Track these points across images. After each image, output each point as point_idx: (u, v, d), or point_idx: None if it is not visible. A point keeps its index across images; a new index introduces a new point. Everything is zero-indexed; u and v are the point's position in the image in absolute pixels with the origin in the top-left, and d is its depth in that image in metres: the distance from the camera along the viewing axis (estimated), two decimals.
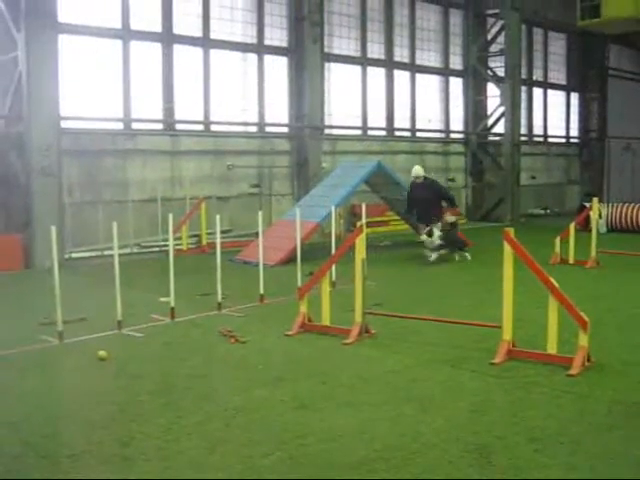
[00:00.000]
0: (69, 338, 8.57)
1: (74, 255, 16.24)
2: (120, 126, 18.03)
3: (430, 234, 14.99)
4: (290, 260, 13.37)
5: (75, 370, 7.49)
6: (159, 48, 18.53)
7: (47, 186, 15.36)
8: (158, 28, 18.47)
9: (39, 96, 15.40)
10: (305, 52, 20.60)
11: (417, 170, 16.15)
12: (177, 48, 18.81)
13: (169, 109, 18.64)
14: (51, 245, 8.65)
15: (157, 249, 17.36)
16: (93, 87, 17.42)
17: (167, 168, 18.56)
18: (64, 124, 16.31)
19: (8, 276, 13.34)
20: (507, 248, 7.42)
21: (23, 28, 15.26)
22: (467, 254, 15.57)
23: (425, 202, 15.68)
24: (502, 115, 25.95)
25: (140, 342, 8.61)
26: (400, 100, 24.61)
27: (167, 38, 18.59)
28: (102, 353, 7.76)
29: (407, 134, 25.17)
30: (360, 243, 8.49)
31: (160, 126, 18.77)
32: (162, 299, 10.48)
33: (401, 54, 24.60)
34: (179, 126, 19.05)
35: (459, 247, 15.68)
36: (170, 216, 9.88)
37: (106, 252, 15.92)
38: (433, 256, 15.05)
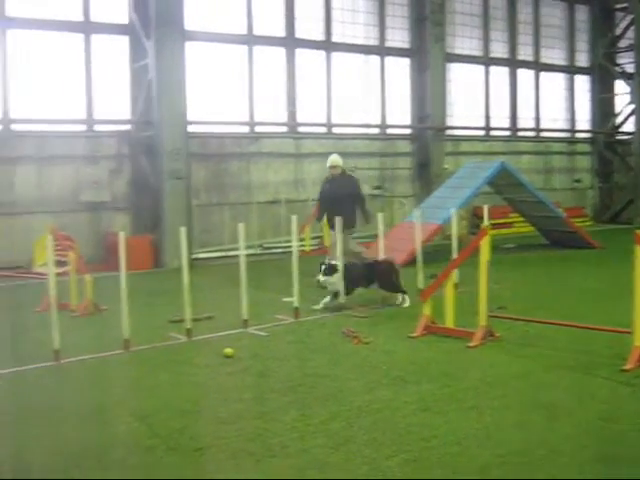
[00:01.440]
0: (197, 335, 8.84)
1: (201, 255, 16.72)
2: (245, 129, 18.44)
3: (329, 270, 10.52)
4: (411, 262, 13.29)
5: (202, 367, 7.69)
6: (282, 52, 18.84)
7: (176, 188, 15.89)
8: (281, 33, 18.79)
9: (168, 102, 15.96)
10: (427, 53, 20.51)
11: (333, 159, 13.01)
12: (299, 52, 19.07)
13: (292, 112, 18.91)
14: (180, 246, 8.94)
15: (280, 250, 17.62)
16: (219, 92, 17.91)
17: (290, 170, 18.86)
18: (191, 128, 16.82)
19: (139, 275, 13.82)
20: (638, 251, 7.13)
21: (153, 37, 15.87)
22: (403, 298, 10.84)
23: (339, 203, 12.37)
24: (632, 113, 24.95)
25: (265, 341, 8.77)
26: (524, 99, 24.09)
27: (290, 42, 18.89)
28: (228, 350, 7.94)
29: (531, 134, 24.60)
30: (484, 245, 8.35)
31: (284, 129, 19.08)
32: (285, 299, 10.63)
33: (525, 52, 24.08)
34: (302, 129, 19.30)
35: (393, 289, 10.93)
36: (293, 218, 10.03)
37: (231, 253, 16.30)
38: (326, 300, 10.66)
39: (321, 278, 10.52)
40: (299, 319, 9.78)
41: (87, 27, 16.45)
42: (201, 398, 6.59)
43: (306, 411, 6.11)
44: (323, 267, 10.56)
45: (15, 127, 15.90)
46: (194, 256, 16.07)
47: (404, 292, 10.82)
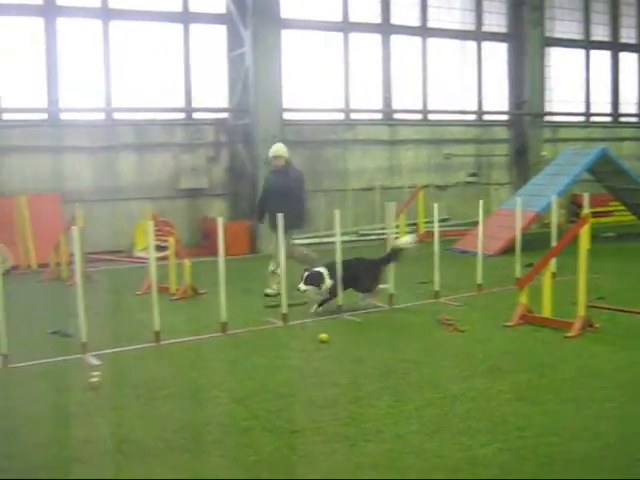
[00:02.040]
0: (292, 321, 8.95)
1: (296, 241, 16.84)
2: (340, 117, 18.49)
3: (313, 279, 9.41)
4: (508, 250, 13.09)
5: (298, 351, 7.79)
6: (378, 39, 18.77)
7: None
8: (377, 19, 18.72)
9: (264, 89, 16.16)
10: (525, 37, 20.07)
11: (277, 148, 11.30)
12: (395, 38, 18.96)
13: (387, 99, 18.86)
14: (278, 232, 9.06)
15: (375, 237, 17.63)
16: (314, 79, 18.00)
17: (385, 157, 18.81)
18: (287, 116, 16.98)
19: (235, 260, 14.05)
20: None
21: (250, 25, 16.07)
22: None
23: (283, 199, 10.71)
24: None
25: (360, 327, 8.82)
26: (626, 84, 23.30)
27: (385, 29, 18.79)
28: (323, 336, 8.03)
29: (634, 120, 23.79)
30: (584, 234, 8.16)
31: (379, 116, 19.04)
32: (381, 286, 10.64)
33: (628, 35, 23.26)
34: (397, 115, 19.22)
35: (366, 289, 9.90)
36: (389, 205, 10.02)
37: (326, 239, 16.37)
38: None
39: (302, 287, 9.32)
40: (394, 306, 9.79)
41: (186, 17, 16.78)
42: (296, 382, 6.68)
43: (400, 397, 6.12)
44: (306, 274, 9.38)
45: (117, 116, 16.39)
46: (290, 242, 16.21)
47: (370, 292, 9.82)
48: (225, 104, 17.25)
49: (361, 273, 9.74)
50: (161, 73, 16.71)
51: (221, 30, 17.15)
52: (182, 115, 17.03)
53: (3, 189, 14.65)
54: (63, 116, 16.00)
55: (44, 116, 15.84)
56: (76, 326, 7.71)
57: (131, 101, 16.39)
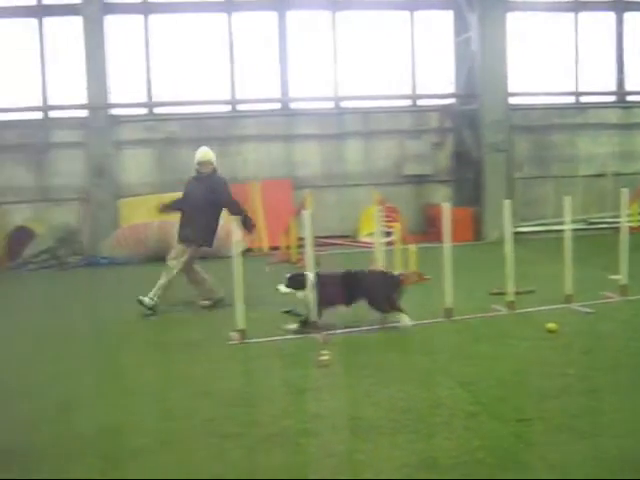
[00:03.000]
0: (518, 309, 8.80)
1: (521, 229, 16.51)
2: (570, 100, 17.81)
3: (295, 282, 8.29)
4: None
5: (523, 339, 7.64)
6: (612, 17, 17.87)
7: (497, 161, 15.86)
8: None
9: (490, 74, 15.94)
10: None
11: (203, 153, 10.00)
12: (629, 16, 17.94)
13: (620, 80, 17.92)
14: (504, 219, 8.94)
15: (605, 226, 16.84)
16: (542, 62, 17.45)
17: (617, 142, 17.88)
18: (514, 100, 16.62)
19: (459, 247, 13.92)
20: None
21: (476, 9, 15.87)
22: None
23: (195, 210, 9.77)
24: None
25: (589, 318, 8.50)
26: None
27: (619, 6, 17.84)
28: (551, 325, 7.82)
29: None
30: None
31: (612, 98, 18.14)
32: (612, 277, 10.17)
33: None
34: (631, 98, 18.20)
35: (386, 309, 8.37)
36: (624, 191, 9.56)
37: (553, 227, 15.89)
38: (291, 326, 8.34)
39: (282, 289, 8.31)
40: (627, 297, 9.32)
41: (412, 4, 16.91)
42: (522, 370, 6.57)
43: (635, 392, 5.85)
44: (288, 275, 8.43)
45: (344, 104, 16.84)
46: (515, 229, 15.88)
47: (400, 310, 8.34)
48: (450, 90, 17.19)
49: (373, 287, 8.34)
50: (387, 60, 16.95)
51: (447, 15, 17.09)
52: (408, 102, 17.18)
53: (238, 175, 15.50)
54: (293, 105, 16.69)
55: (277, 106, 16.61)
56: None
57: (358, 89, 16.77)
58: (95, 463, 4.83)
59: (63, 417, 5.72)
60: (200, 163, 9.95)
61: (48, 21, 16.23)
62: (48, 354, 7.80)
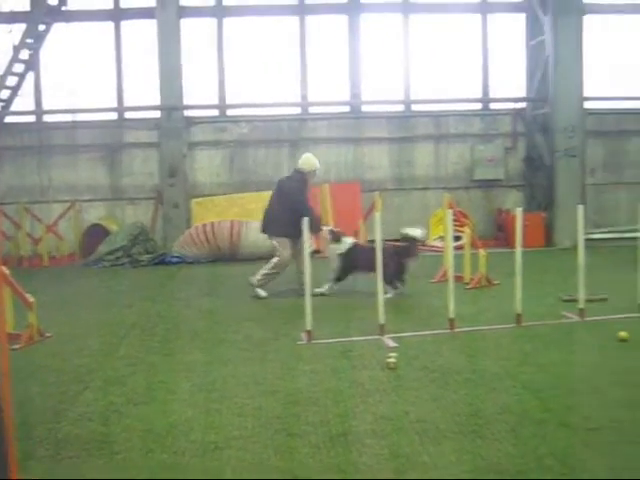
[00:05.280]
0: (589, 316, 8.66)
1: (593, 236, 16.23)
2: None
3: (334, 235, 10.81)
4: None
5: (595, 347, 7.53)
6: None
7: (570, 167, 15.63)
8: None
9: (563, 78, 15.72)
10: None
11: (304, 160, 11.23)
12: None
13: None
14: (576, 225, 8.82)
15: None
16: (618, 66, 17.09)
17: None
18: (588, 105, 16.34)
19: (530, 253, 13.77)
20: None
21: (550, 12, 15.66)
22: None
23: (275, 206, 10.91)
24: None
25: None
26: None
27: None
28: (623, 334, 7.67)
29: None
30: None
31: None
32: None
33: None
34: None
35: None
36: None
37: (626, 235, 15.57)
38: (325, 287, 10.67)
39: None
40: None
41: (485, 7, 16.79)
42: (593, 379, 6.48)
43: None
44: (329, 229, 10.95)
45: (415, 107, 16.83)
46: (587, 236, 15.62)
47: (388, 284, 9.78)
48: (523, 93, 17.01)
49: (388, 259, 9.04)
50: (459, 64, 16.86)
51: (520, 18, 16.93)
52: (479, 105, 17.06)
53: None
54: (364, 108, 16.74)
55: (347, 109, 16.69)
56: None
57: (429, 93, 16.73)
58: (166, 458, 4.95)
59: (134, 412, 5.87)
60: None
61: (125, 24, 16.63)
62: (119, 349, 8.00)
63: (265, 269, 10.77)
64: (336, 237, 10.72)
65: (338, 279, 10.73)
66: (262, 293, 10.63)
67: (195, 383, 6.61)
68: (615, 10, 17.06)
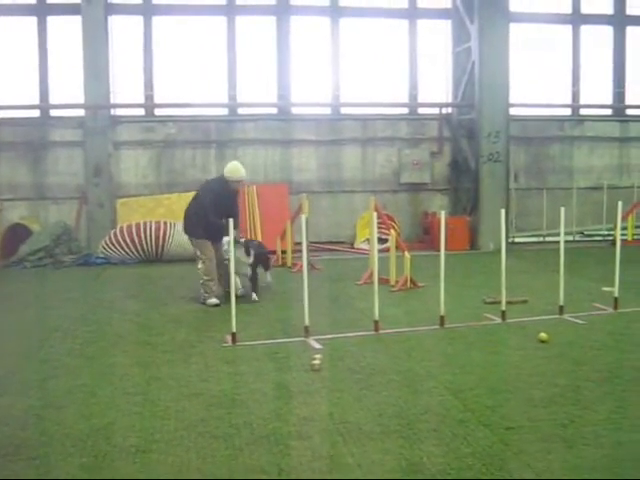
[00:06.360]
0: (511, 318, 8.84)
1: (517, 239, 16.61)
2: (567, 112, 17.91)
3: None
4: None
5: (516, 349, 7.68)
6: (610, 31, 18.00)
7: (494, 171, 15.91)
8: (609, 10, 17.95)
9: (489, 84, 16.00)
10: None
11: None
12: (631, 30, 18.06)
13: (620, 93, 18.01)
14: (499, 228, 8.98)
15: (600, 238, 16.94)
16: (541, 74, 17.55)
17: (615, 155, 17.98)
18: (513, 111, 16.69)
19: (454, 256, 14.03)
20: None
21: (476, 19, 15.93)
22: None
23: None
24: None
25: (581, 329, 8.54)
26: None
27: (619, 20, 17.99)
28: (543, 335, 7.86)
29: None
30: None
31: (608, 111, 18.23)
32: (605, 288, 10.23)
33: None
34: (630, 111, 18.28)
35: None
36: (619, 204, 9.62)
37: (548, 238, 15.99)
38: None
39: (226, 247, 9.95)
40: (619, 310, 9.36)
41: (412, 13, 16.99)
42: (513, 379, 6.60)
43: (624, 403, 5.88)
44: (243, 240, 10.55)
45: (343, 110, 16.92)
46: (510, 240, 15.97)
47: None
48: (449, 99, 17.26)
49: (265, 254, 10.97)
50: (387, 68, 17.03)
51: (446, 25, 17.18)
52: (406, 110, 17.25)
53: None
54: (293, 110, 16.76)
55: (275, 110, 16.68)
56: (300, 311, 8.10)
57: (357, 96, 16.85)
58: (86, 462, 4.85)
59: (53, 416, 5.73)
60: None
61: (49, 20, 16.27)
62: (40, 353, 7.82)
63: (200, 283, 10.41)
64: (247, 248, 10.41)
65: (253, 282, 10.49)
66: (213, 301, 10.19)
67: (117, 386, 6.49)
68: (539, 19, 17.47)
